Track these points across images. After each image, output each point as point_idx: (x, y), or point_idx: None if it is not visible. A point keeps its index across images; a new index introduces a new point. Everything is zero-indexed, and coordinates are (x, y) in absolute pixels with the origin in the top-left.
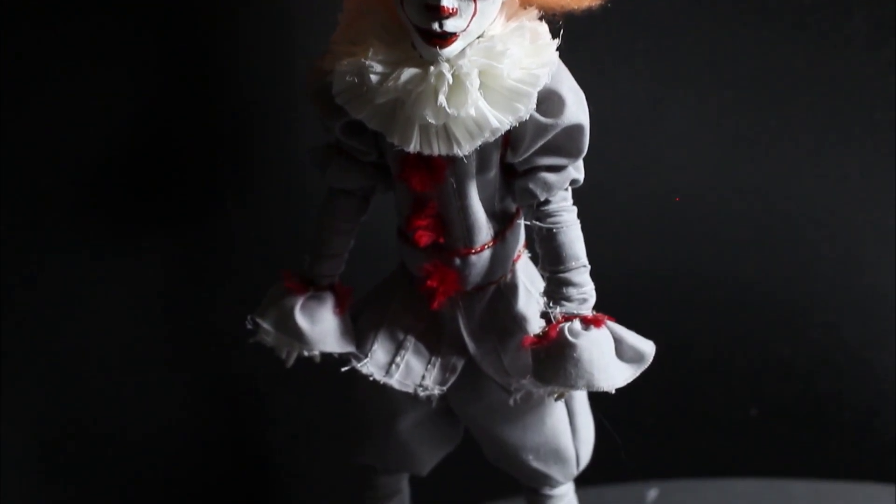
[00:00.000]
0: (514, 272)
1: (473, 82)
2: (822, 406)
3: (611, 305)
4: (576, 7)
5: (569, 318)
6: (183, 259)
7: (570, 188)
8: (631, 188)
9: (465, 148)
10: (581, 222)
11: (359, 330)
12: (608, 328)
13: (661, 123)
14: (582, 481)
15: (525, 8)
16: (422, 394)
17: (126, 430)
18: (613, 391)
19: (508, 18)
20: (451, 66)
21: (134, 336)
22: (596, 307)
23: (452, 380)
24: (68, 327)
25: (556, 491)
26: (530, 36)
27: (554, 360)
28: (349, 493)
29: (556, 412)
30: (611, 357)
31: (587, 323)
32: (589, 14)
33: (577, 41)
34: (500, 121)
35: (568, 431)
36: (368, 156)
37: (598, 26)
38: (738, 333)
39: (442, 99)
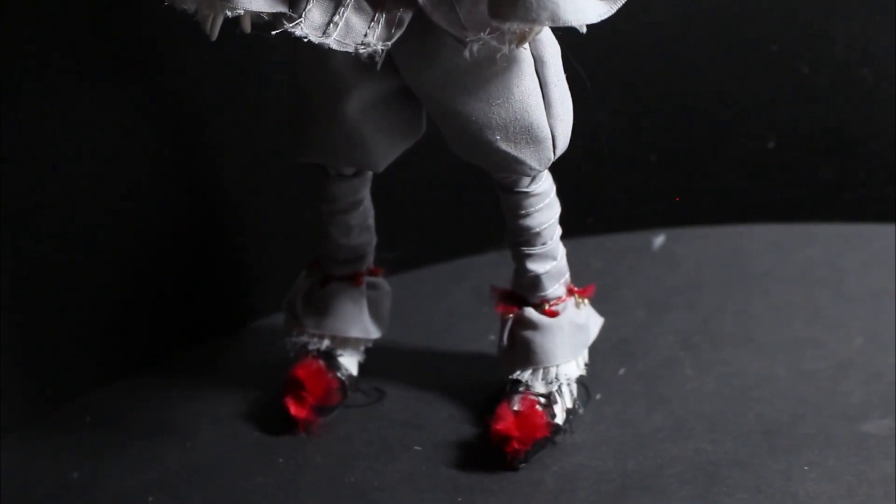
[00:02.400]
0: None
1: None
2: (847, 134)
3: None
4: None
5: None
6: None
7: None
8: None
9: None
10: None
11: None
12: None
13: None
14: (583, 231)
15: None
16: (362, 51)
17: (75, 152)
18: (584, 30)
19: None
20: None
21: (62, 43)
22: None
23: (398, 35)
24: None
25: (534, 187)
26: None
27: None
28: (308, 219)
29: (525, 81)
30: None
31: None
32: None
33: None
34: None
35: (541, 105)
36: None
37: None
38: (750, 51)
39: None
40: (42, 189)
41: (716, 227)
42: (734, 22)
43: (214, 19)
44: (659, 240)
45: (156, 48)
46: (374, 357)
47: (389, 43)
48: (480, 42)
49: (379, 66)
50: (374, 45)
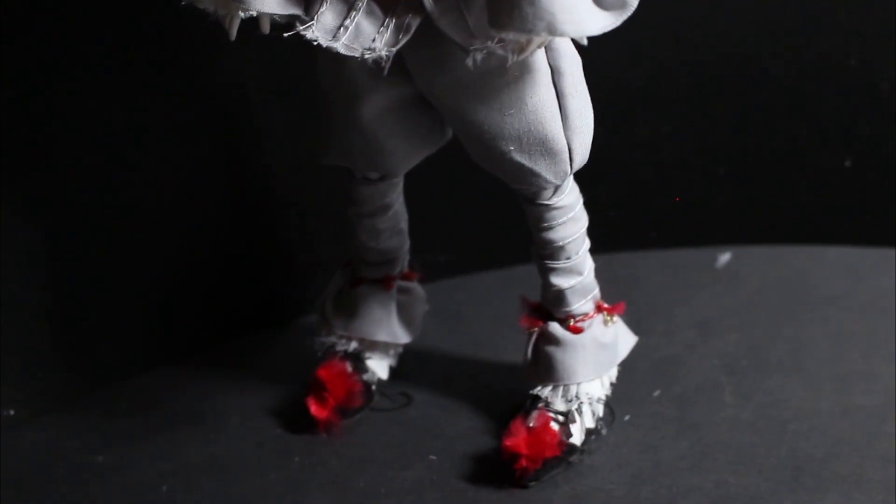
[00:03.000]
0: None
1: None
2: None
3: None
4: None
5: None
6: None
7: None
8: None
9: None
10: None
11: None
12: None
13: None
14: (646, 244)
15: None
16: (368, 56)
17: (117, 142)
18: (585, 42)
19: None
20: None
21: (115, 41)
22: None
23: (405, 40)
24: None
25: (556, 200)
26: None
27: None
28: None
29: (540, 91)
30: None
31: None
32: None
33: None
34: None
35: (557, 117)
36: None
37: None
38: (828, 65)
39: None
40: (95, 180)
41: (786, 247)
42: (811, 35)
43: (231, 20)
44: (724, 257)
45: (205, 46)
46: (409, 361)
47: (395, 49)
48: (484, 51)
49: (385, 72)
50: (381, 50)
